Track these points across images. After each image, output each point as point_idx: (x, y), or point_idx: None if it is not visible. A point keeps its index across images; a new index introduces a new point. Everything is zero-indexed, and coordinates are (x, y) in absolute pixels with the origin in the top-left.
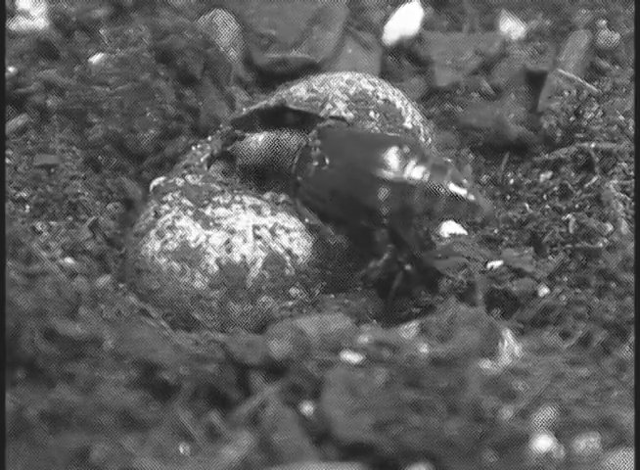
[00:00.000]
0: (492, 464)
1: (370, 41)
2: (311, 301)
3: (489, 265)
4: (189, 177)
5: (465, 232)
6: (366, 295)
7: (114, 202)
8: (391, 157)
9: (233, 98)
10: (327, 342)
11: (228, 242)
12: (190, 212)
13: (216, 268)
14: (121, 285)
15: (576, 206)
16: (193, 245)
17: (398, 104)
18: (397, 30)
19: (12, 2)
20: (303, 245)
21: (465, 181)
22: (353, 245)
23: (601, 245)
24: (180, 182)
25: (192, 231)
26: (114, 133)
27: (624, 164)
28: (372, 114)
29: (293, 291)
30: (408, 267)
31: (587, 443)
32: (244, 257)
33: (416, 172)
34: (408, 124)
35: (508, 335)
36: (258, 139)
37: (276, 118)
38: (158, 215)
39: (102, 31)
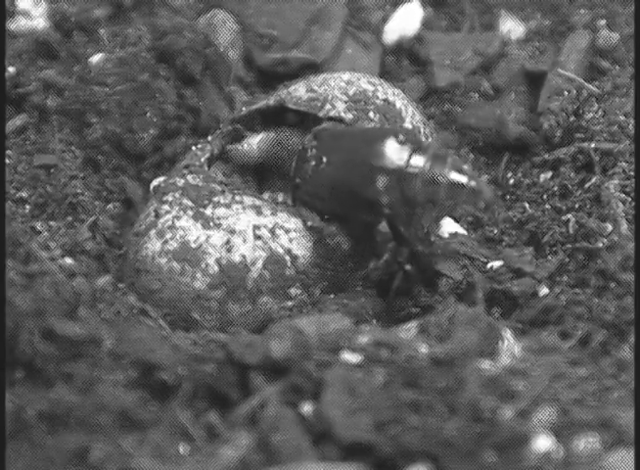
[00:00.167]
0: (492, 464)
1: (370, 41)
2: (311, 301)
3: (489, 265)
4: (189, 177)
5: (465, 232)
6: (366, 295)
7: (113, 202)
8: (389, 147)
9: (233, 98)
10: (326, 342)
11: (228, 242)
12: (190, 212)
13: (216, 268)
14: (121, 285)
15: (576, 206)
16: (193, 245)
17: (398, 104)
18: (397, 30)
19: (12, 2)
20: (303, 245)
21: (466, 168)
22: (355, 243)
23: (601, 245)
24: (180, 182)
25: (192, 231)
26: (113, 133)
27: (624, 164)
28: (372, 114)
29: (292, 291)
30: (408, 267)
31: (586, 443)
32: (244, 257)
33: (416, 161)
34: (408, 124)
35: (508, 335)
36: (253, 141)
37: (276, 118)
38: (158, 215)
39: (101, 31)
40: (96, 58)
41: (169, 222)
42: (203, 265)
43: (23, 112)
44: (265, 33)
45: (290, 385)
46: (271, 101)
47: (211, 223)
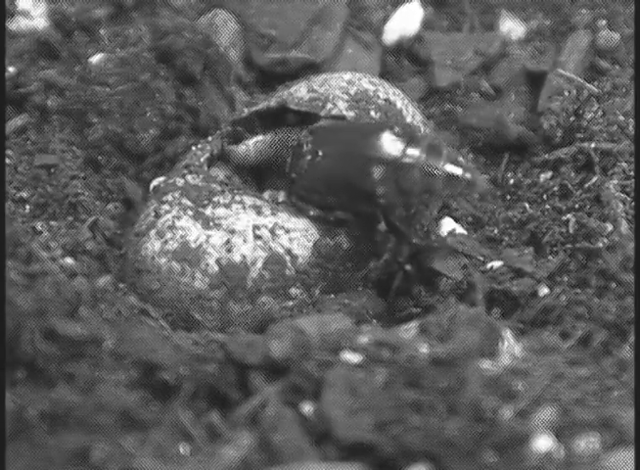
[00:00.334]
0: (492, 464)
1: (370, 41)
2: (311, 301)
3: (489, 265)
4: (189, 177)
5: (465, 232)
6: (366, 295)
7: (113, 202)
8: (385, 139)
9: (233, 98)
10: (327, 342)
11: (228, 242)
12: (190, 212)
13: (216, 268)
14: (121, 285)
15: (576, 206)
16: (193, 245)
17: (399, 104)
18: (397, 30)
19: (12, 2)
20: (303, 245)
21: (461, 159)
22: (355, 240)
23: (601, 245)
24: (180, 182)
25: (192, 231)
26: (113, 133)
27: (624, 164)
28: (373, 113)
29: (293, 291)
30: (408, 267)
31: (587, 443)
32: (244, 257)
33: (411, 152)
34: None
35: (508, 335)
36: (249, 142)
37: (277, 119)
38: (158, 215)
39: (102, 31)
40: (97, 58)
41: (169, 222)
42: (203, 265)
43: (24, 112)
44: (266, 33)
45: (290, 385)
46: (272, 102)
47: (211, 223)
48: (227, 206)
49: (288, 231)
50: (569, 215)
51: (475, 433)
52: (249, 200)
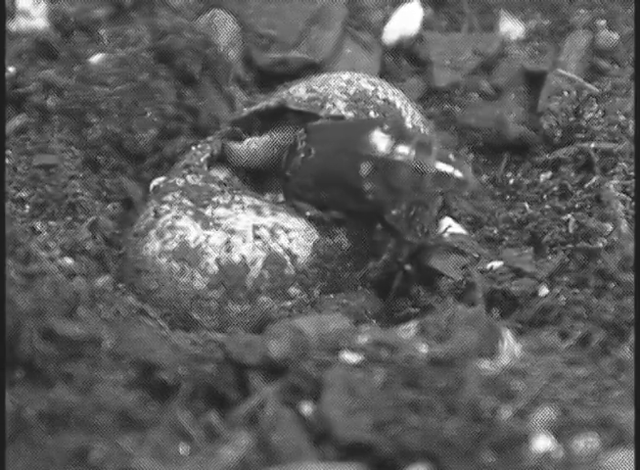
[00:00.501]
0: (491, 464)
1: (369, 41)
2: (310, 301)
3: (489, 265)
4: (189, 177)
5: (464, 232)
6: (365, 295)
7: (113, 202)
8: (374, 136)
9: (233, 98)
10: (326, 342)
11: (228, 242)
12: (190, 212)
13: (216, 268)
14: (120, 285)
15: (576, 206)
16: (192, 245)
17: (398, 104)
18: (397, 30)
19: (12, 2)
20: (303, 245)
21: (451, 157)
22: (353, 238)
23: (601, 245)
24: (180, 182)
25: (192, 231)
26: (113, 133)
27: (624, 164)
28: (372, 113)
29: (292, 291)
30: (408, 267)
31: (586, 443)
32: (243, 257)
33: (401, 149)
34: (408, 124)
35: (507, 335)
36: (249, 142)
37: (276, 119)
38: (157, 215)
39: (101, 31)
40: (96, 58)
41: (169, 222)
42: (202, 265)
43: (23, 112)
44: (265, 33)
45: (289, 385)
46: (271, 102)
47: (211, 223)
48: (227, 206)
49: (287, 231)
50: (569, 215)
51: (473, 433)
52: (248, 200)
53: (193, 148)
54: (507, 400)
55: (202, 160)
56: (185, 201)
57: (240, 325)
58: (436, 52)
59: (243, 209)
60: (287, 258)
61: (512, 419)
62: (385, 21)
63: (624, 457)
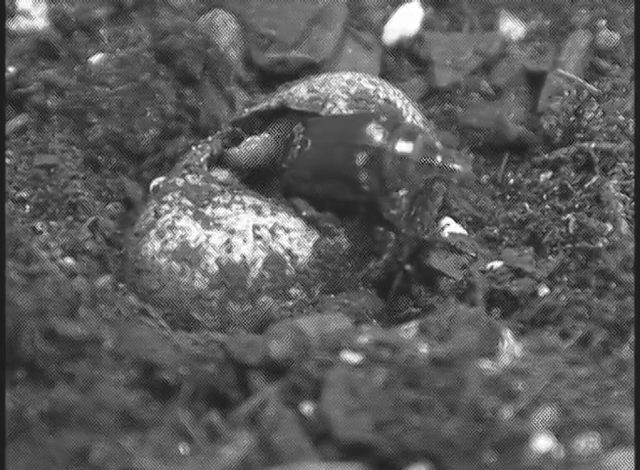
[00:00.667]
0: (492, 464)
1: (370, 41)
2: (311, 301)
3: (489, 265)
4: (189, 177)
5: (464, 232)
6: (366, 295)
7: (113, 202)
8: (369, 127)
9: (233, 98)
10: (327, 342)
11: (228, 242)
12: (190, 212)
13: (216, 268)
14: (121, 285)
15: (576, 206)
16: (193, 245)
17: (399, 103)
18: (397, 30)
19: (12, 2)
20: (303, 245)
21: (438, 145)
22: (354, 238)
23: (601, 245)
24: (180, 182)
25: (192, 231)
26: (113, 133)
27: (624, 164)
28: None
29: (292, 291)
30: (408, 267)
31: (587, 443)
32: (244, 257)
33: (383, 138)
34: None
35: (508, 335)
36: (248, 143)
37: (277, 119)
38: (158, 215)
39: (102, 31)
40: (96, 58)
41: (169, 222)
42: (202, 265)
43: (24, 112)
44: (266, 33)
45: (290, 385)
46: (272, 102)
47: (211, 223)
48: (227, 206)
49: (288, 231)
50: (569, 215)
51: (474, 433)
52: (249, 200)
53: (193, 148)
54: (508, 400)
55: (202, 160)
56: (185, 201)
57: (241, 325)
58: (437, 52)
59: (243, 209)
60: (287, 258)
61: (513, 419)
62: (385, 20)
63: (625, 457)
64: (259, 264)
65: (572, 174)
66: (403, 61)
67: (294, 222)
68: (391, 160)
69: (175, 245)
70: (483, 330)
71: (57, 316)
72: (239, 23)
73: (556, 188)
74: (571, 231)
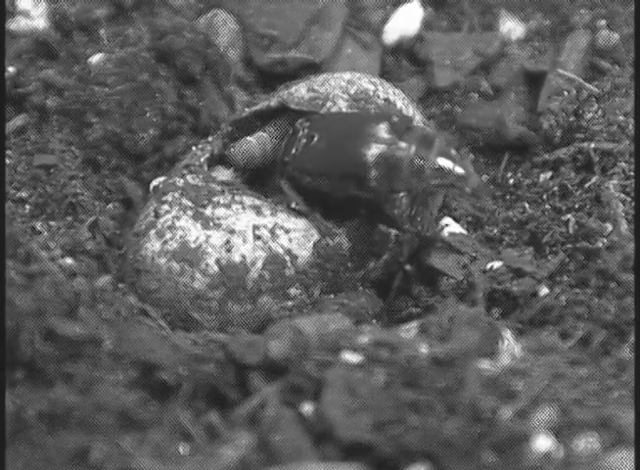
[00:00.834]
0: (491, 464)
1: (370, 41)
2: (311, 301)
3: (489, 265)
4: (189, 177)
5: (464, 232)
6: (365, 295)
7: (113, 202)
8: (380, 128)
9: (233, 98)
10: (326, 342)
11: (228, 242)
12: (190, 213)
13: (216, 268)
14: (121, 285)
15: (576, 206)
16: (193, 245)
17: (399, 104)
18: (397, 30)
19: (12, 2)
20: (303, 245)
21: (453, 152)
22: (354, 238)
23: (601, 245)
24: (180, 182)
25: (192, 231)
26: (113, 133)
27: (624, 164)
28: (373, 112)
29: (292, 291)
30: (408, 267)
31: (586, 443)
32: (244, 257)
33: (403, 143)
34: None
35: (508, 335)
36: (245, 142)
37: (276, 119)
38: (157, 215)
39: (101, 31)
40: (96, 58)
41: (169, 222)
42: (202, 266)
43: (24, 112)
44: (265, 33)
45: (289, 385)
46: (272, 102)
47: (211, 223)
48: (227, 206)
49: (287, 231)
50: (568, 215)
51: (474, 433)
52: (248, 200)
53: (193, 148)
54: (507, 400)
55: (202, 160)
56: (185, 201)
57: (240, 325)
58: (437, 52)
59: (243, 209)
60: (287, 258)
61: (512, 419)
62: (385, 20)
63: (624, 457)
64: (259, 264)
65: (572, 174)
66: (403, 61)
67: (293, 222)
68: (409, 162)
69: (175, 245)
70: (483, 330)
71: (56, 316)
72: (238, 24)
73: (556, 188)
74: (570, 231)
